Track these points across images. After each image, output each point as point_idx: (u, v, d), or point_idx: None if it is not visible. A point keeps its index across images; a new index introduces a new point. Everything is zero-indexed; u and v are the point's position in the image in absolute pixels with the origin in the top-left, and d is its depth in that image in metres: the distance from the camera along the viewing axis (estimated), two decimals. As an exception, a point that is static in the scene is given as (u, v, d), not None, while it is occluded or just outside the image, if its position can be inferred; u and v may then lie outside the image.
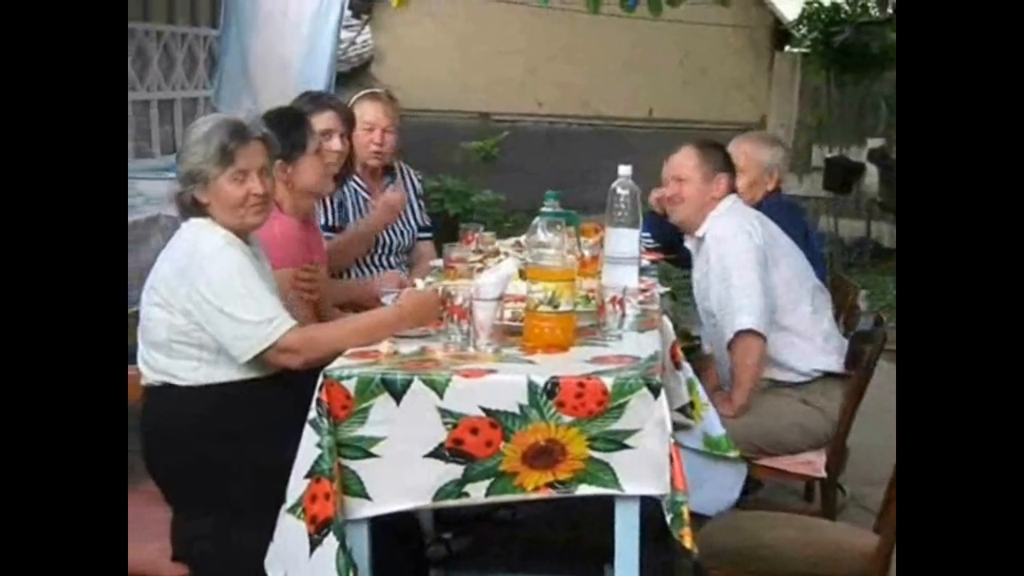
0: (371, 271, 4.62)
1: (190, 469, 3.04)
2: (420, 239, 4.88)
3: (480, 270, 3.96)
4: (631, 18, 6.27)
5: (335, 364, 2.80)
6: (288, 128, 3.58)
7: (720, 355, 3.97)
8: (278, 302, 3.05)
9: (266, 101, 6.44)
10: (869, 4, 9.04)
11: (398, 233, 4.71)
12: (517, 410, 2.69)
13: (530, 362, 2.85)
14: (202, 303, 2.98)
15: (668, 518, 2.68)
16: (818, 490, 4.35)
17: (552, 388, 2.69)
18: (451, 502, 2.77)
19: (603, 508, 3.49)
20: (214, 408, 3.04)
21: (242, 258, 3.05)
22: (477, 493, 2.75)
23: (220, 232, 3.08)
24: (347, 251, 4.45)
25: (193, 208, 3.12)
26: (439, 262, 4.27)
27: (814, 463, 3.76)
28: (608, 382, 2.70)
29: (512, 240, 4.61)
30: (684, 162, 4.02)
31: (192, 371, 3.05)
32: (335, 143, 4.13)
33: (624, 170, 3.48)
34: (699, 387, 3.55)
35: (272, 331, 2.97)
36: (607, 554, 3.72)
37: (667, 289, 3.93)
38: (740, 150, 4.61)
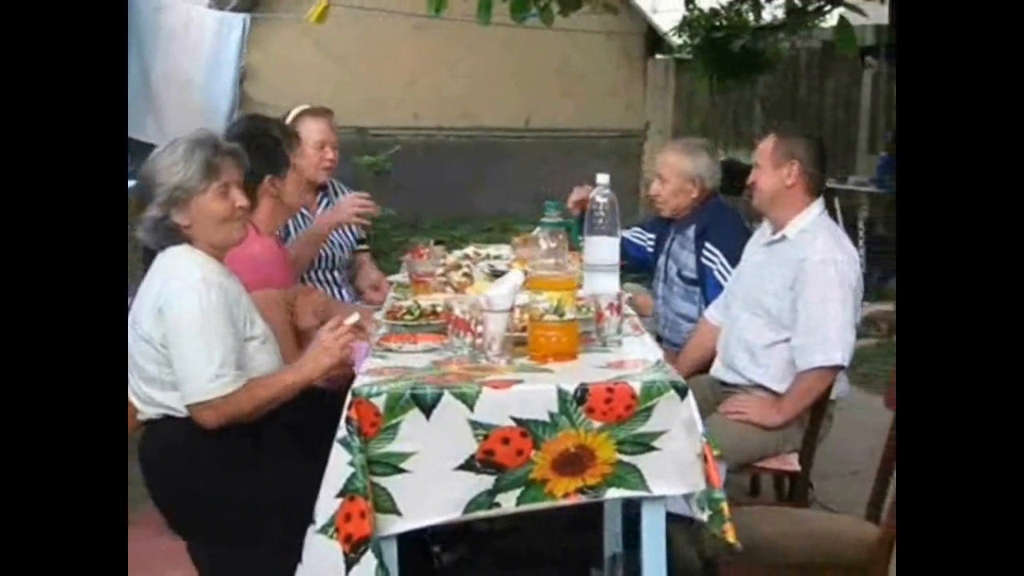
0: (317, 286, 4.58)
1: (197, 499, 2.99)
2: (357, 251, 4.89)
3: (445, 283, 3.97)
4: (511, 27, 6.28)
5: (361, 381, 2.77)
6: (270, 148, 3.55)
7: (734, 336, 3.99)
8: (231, 356, 2.98)
9: (171, 121, 6.35)
10: (743, 8, 9.24)
11: (338, 246, 4.71)
12: (547, 418, 2.71)
13: (547, 371, 2.87)
14: (168, 337, 2.95)
15: (706, 516, 2.73)
16: (767, 485, 4.48)
17: (582, 395, 2.72)
18: (482, 513, 2.77)
19: (586, 513, 3.56)
20: (218, 436, 2.98)
21: (211, 300, 2.97)
22: (508, 503, 2.76)
23: (198, 266, 3.03)
24: (301, 254, 4.37)
25: (173, 234, 3.06)
26: (398, 277, 4.26)
27: (787, 458, 3.86)
28: (636, 386, 2.74)
29: (461, 252, 4.62)
30: (761, 148, 3.98)
31: None
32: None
33: (602, 179, 3.48)
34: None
35: (213, 387, 2.94)
36: (593, 557, 3.80)
37: (630, 295, 3.98)
38: (663, 159, 4.70)
